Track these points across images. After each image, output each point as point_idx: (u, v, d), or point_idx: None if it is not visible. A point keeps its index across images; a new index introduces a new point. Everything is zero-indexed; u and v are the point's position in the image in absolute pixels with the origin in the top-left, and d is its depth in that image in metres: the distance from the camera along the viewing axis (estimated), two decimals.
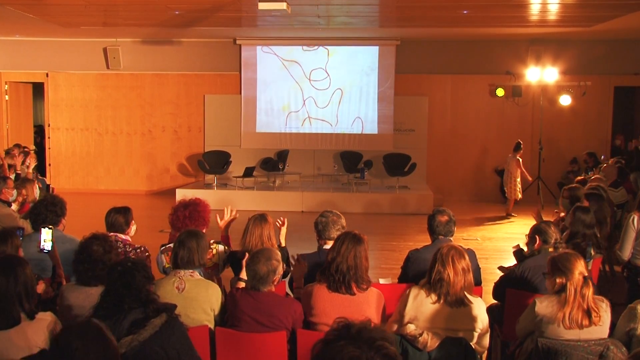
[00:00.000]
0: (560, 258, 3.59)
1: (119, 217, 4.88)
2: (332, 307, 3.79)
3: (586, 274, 3.55)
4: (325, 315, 3.77)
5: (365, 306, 3.81)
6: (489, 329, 3.83)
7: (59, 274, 4.30)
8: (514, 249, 5.05)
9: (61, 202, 5.15)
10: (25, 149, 10.56)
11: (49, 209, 5.01)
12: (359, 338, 1.66)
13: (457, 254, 3.68)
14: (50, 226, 4.37)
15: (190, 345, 3.11)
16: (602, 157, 12.07)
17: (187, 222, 4.83)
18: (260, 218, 4.81)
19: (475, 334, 3.69)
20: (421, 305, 3.67)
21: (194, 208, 4.94)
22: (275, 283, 3.82)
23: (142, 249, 4.83)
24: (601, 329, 3.49)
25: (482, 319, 3.70)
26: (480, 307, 3.71)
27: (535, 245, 4.62)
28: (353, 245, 3.83)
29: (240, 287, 4.00)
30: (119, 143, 14.64)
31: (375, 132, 13.97)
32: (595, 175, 8.34)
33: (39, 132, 15.93)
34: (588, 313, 3.45)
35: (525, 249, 4.88)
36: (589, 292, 3.49)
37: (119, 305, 3.08)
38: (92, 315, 3.08)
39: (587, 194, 6.05)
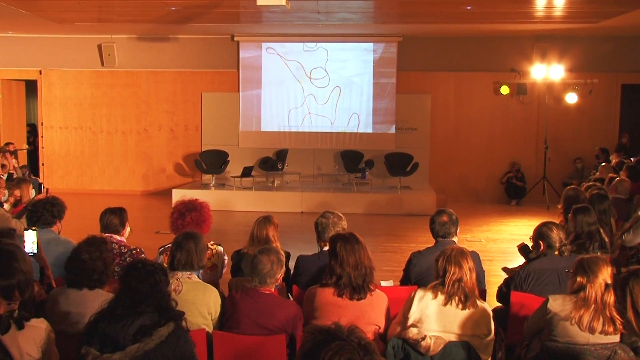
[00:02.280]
0: (588, 260, 3.52)
1: (113, 218, 4.87)
2: (337, 310, 3.75)
3: (609, 282, 3.46)
4: (328, 319, 3.66)
5: (369, 309, 3.78)
6: (494, 336, 3.79)
7: (48, 276, 4.24)
8: (519, 246, 5.02)
9: (60, 205, 5.16)
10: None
11: (46, 208, 5.02)
12: (347, 338, 1.71)
13: (465, 253, 3.72)
14: (34, 227, 4.29)
15: (195, 356, 3.03)
16: (603, 163, 11.75)
17: (192, 226, 4.82)
18: (266, 219, 4.88)
19: (481, 340, 3.66)
20: (426, 308, 3.64)
21: (200, 215, 4.95)
22: (277, 283, 3.86)
23: (138, 250, 4.81)
24: (615, 335, 3.43)
25: (490, 324, 3.69)
26: (488, 312, 3.71)
27: (540, 249, 4.55)
28: (352, 247, 3.80)
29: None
30: (114, 142, 14.53)
31: (377, 130, 13.86)
32: (611, 174, 8.18)
33: (32, 131, 15.84)
34: (612, 321, 3.38)
35: (530, 245, 4.86)
36: (611, 299, 3.40)
37: (135, 307, 2.95)
38: (97, 317, 2.97)
39: (587, 196, 6.01)
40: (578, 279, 3.47)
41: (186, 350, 2.94)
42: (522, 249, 4.99)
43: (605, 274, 3.45)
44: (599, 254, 4.82)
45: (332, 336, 1.73)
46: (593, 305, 3.39)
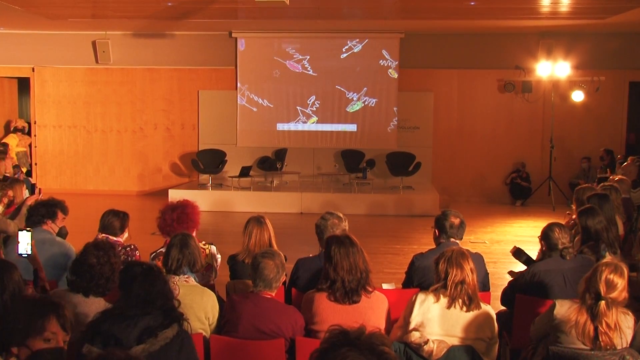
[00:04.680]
0: (595, 268, 3.40)
1: (115, 220, 4.91)
2: (334, 315, 3.73)
3: (600, 292, 3.33)
4: (328, 324, 3.51)
5: (369, 312, 3.76)
6: (498, 338, 3.82)
7: (42, 278, 4.25)
8: (512, 251, 4.98)
9: (63, 208, 5.20)
10: None
11: (49, 210, 5.06)
12: (360, 344, 1.68)
13: (465, 255, 3.70)
14: (28, 229, 4.25)
15: (197, 359, 3.05)
16: (618, 156, 11.74)
17: (175, 225, 4.83)
18: (260, 220, 4.82)
19: (485, 343, 3.65)
20: (428, 311, 3.63)
21: (182, 210, 4.92)
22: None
23: (132, 247, 4.86)
24: (619, 341, 3.35)
25: (493, 327, 3.69)
26: (491, 314, 3.69)
27: (542, 249, 4.57)
28: (346, 250, 3.76)
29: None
30: (109, 141, 14.42)
31: (378, 129, 13.73)
32: (619, 176, 8.00)
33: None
34: (597, 332, 3.32)
35: (525, 249, 4.89)
36: (600, 310, 3.30)
37: (146, 307, 2.95)
38: (101, 317, 2.96)
39: (589, 196, 5.92)
40: (581, 286, 3.43)
41: (190, 354, 2.94)
42: (516, 253, 4.93)
43: (595, 283, 3.33)
44: (607, 254, 4.88)
45: (342, 342, 1.70)
46: (589, 320, 3.32)
